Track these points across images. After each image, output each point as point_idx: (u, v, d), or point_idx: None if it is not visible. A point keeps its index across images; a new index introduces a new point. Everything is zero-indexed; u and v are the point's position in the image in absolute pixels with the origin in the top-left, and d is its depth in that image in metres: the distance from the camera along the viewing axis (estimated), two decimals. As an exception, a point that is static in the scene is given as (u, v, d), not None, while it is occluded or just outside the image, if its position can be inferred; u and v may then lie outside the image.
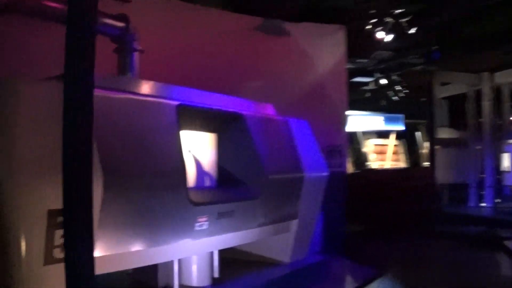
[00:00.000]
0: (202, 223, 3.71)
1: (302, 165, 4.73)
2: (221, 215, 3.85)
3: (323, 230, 5.74)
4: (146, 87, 3.73)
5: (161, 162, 3.44)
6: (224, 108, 4.22)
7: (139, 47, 4.27)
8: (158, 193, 3.35)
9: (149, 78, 3.93)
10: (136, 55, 4.28)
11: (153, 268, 3.94)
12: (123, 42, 4.21)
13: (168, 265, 3.93)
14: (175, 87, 3.92)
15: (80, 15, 2.31)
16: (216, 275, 4.26)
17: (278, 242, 4.84)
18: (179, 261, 3.95)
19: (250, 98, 4.84)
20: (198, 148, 4.17)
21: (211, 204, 3.77)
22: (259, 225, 4.31)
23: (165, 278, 3.96)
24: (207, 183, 4.22)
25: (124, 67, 4.23)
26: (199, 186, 4.12)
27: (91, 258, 2.29)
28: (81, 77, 2.31)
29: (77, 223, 2.26)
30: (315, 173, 4.91)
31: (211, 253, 4.21)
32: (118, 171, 3.07)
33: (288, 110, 5.40)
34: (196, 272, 4.05)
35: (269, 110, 4.85)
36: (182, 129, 3.92)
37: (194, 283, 4.04)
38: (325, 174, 5.09)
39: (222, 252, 4.40)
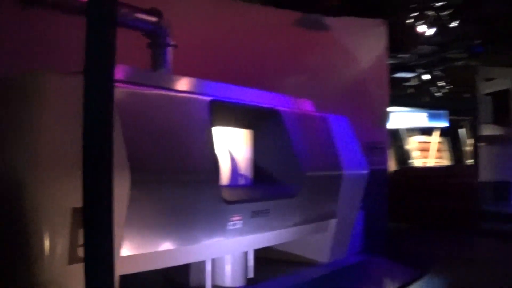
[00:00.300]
0: (235, 222, 3.53)
1: (341, 163, 4.50)
2: (255, 213, 3.66)
3: (364, 229, 5.49)
4: (178, 83, 3.57)
5: (192, 159, 3.28)
6: (260, 104, 4.03)
7: (173, 42, 4.12)
8: (189, 191, 3.19)
9: (186, 73, 3.77)
10: (169, 50, 4.13)
11: (186, 267, 3.78)
12: (156, 36, 4.06)
13: (201, 264, 3.76)
14: (209, 82, 3.74)
15: (100, 7, 2.15)
16: (250, 275, 4.08)
17: (316, 242, 4.62)
18: (212, 260, 3.78)
19: (289, 94, 4.64)
20: (233, 145, 4.00)
21: (245, 203, 3.58)
22: (296, 224, 4.11)
23: (197, 278, 3.79)
24: (242, 181, 4.04)
25: (157, 62, 4.08)
26: (233, 184, 3.94)
27: (111, 259, 2.14)
28: (101, 71, 2.15)
29: (96, 222, 2.11)
30: (354, 170, 4.67)
31: (246, 253, 4.03)
32: (147, 168, 2.91)
33: (328, 106, 5.17)
34: (230, 272, 3.86)
35: (307, 106, 4.63)
36: (216, 125, 3.76)
37: (228, 284, 3.86)
38: (365, 172, 4.84)
39: (258, 252, 4.21)
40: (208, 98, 3.51)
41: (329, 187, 4.38)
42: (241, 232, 3.60)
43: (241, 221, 3.56)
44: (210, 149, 3.38)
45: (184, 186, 3.17)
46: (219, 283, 3.85)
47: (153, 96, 3.19)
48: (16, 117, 2.77)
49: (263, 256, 4.36)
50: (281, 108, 4.11)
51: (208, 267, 3.74)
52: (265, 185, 4.05)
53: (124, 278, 3.01)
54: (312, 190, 4.14)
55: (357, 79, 6.97)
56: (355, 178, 4.67)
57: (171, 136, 3.16)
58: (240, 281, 3.91)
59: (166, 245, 3.12)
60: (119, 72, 3.22)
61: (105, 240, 2.11)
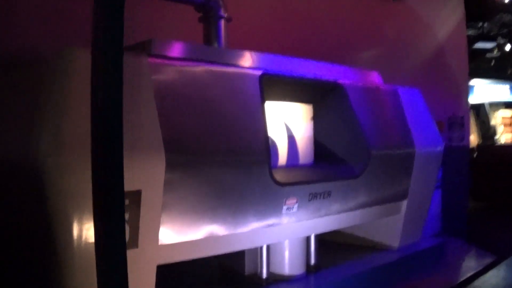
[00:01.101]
0: (291, 205, 3.12)
1: (413, 139, 3.95)
2: (314, 196, 3.22)
3: (443, 209, 4.91)
4: (228, 56, 3.16)
5: (238, 138, 2.87)
6: (320, 77, 3.55)
7: (226, 15, 3.70)
8: (234, 173, 2.79)
9: (251, 48, 3.37)
10: (222, 23, 3.71)
11: (241, 254, 3.41)
12: (207, 10, 3.65)
13: (256, 251, 3.38)
14: (261, 54, 3.30)
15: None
16: (313, 261, 3.65)
17: (387, 225, 4.12)
18: (268, 247, 3.39)
19: (364, 66, 4.14)
20: (292, 121, 3.55)
21: (301, 184, 3.14)
22: (361, 207, 3.62)
23: (252, 266, 3.41)
24: (302, 160, 3.59)
25: (209, 37, 3.68)
26: (291, 164, 3.51)
27: (124, 254, 1.79)
28: (109, 45, 1.80)
29: (108, 214, 1.76)
30: (428, 147, 4.10)
31: (307, 238, 3.60)
32: (184, 149, 2.55)
33: (405, 79, 4.61)
34: (288, 259, 3.45)
35: (374, 78, 4.09)
36: (272, 99, 3.33)
37: (286, 272, 3.45)
38: (440, 148, 4.26)
39: (326, 235, 3.78)
40: (259, 72, 3.09)
41: (399, 165, 3.85)
42: (297, 216, 3.18)
43: (297, 204, 3.14)
44: (260, 127, 2.97)
45: (229, 168, 2.78)
46: (277, 271, 3.45)
47: (193, 71, 2.80)
48: (49, 96, 2.46)
49: (332, 240, 3.94)
50: (344, 81, 3.61)
51: (264, 254, 3.36)
52: (326, 165, 3.59)
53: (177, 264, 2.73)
54: (379, 170, 3.63)
55: (435, 50, 6.30)
56: (429, 156, 4.10)
57: (214, 114, 2.77)
58: (299, 269, 3.49)
59: (209, 232, 2.75)
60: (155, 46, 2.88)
61: (117, 233, 1.76)
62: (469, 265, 4.43)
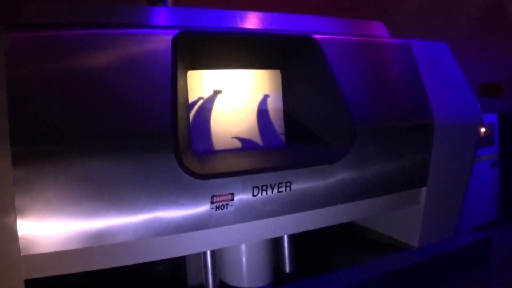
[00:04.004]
0: (222, 202, 2.00)
1: (431, 107, 2.57)
2: (261, 189, 2.07)
3: (501, 193, 3.39)
4: (122, 15, 2.13)
5: (128, 117, 1.83)
6: (283, 33, 2.34)
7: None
8: (124, 163, 1.79)
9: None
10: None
11: (182, 260, 2.36)
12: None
13: (200, 257, 2.31)
14: (181, 9, 2.22)
15: None
16: (287, 269, 2.49)
17: (405, 219, 2.79)
18: (214, 253, 2.30)
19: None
20: (253, 93, 2.40)
21: (236, 175, 2.01)
22: (348, 200, 2.36)
23: (198, 275, 2.35)
24: (267, 141, 2.42)
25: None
26: (251, 147, 2.36)
27: None
28: None
29: None
30: (456, 118, 2.68)
31: (277, 241, 2.45)
32: (43, 138, 1.65)
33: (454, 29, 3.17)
34: (246, 268, 2.33)
35: (376, 30, 2.75)
36: (223, 68, 2.24)
37: (244, 284, 2.33)
38: (477, 118, 2.79)
39: (334, 227, 2.59)
40: (172, 32, 2.00)
41: (406, 143, 2.51)
42: (237, 216, 2.05)
43: (233, 202, 2.02)
44: (163, 102, 1.90)
45: (116, 157, 1.78)
46: (232, 282, 2.35)
47: (65, 40, 1.81)
48: None
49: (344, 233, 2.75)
50: (321, 36, 2.36)
51: (208, 260, 2.28)
52: (297, 146, 2.39)
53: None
54: (372, 150, 2.35)
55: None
56: (458, 128, 2.68)
57: (96, 92, 1.78)
58: (262, 280, 2.36)
59: (95, 240, 1.78)
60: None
61: None
62: (497, 272, 2.91)
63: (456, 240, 2.84)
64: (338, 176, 2.27)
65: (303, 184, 2.17)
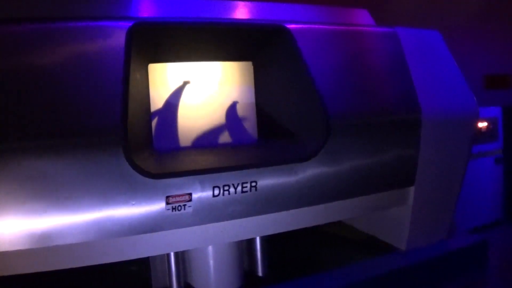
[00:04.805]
0: (179, 203, 1.89)
1: (418, 100, 2.38)
2: (223, 189, 1.94)
3: (505, 190, 3.16)
4: (73, 7, 2.01)
5: (72, 113, 1.73)
6: (253, 22, 2.19)
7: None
8: (67, 160, 1.69)
9: None
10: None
11: (146, 261, 2.25)
12: None
13: (164, 259, 2.20)
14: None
15: None
16: (260, 272, 2.35)
17: (392, 219, 2.61)
18: (178, 255, 2.19)
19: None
20: (224, 86, 2.26)
21: (193, 174, 1.88)
22: (321, 201, 2.20)
23: (161, 277, 2.24)
24: (238, 137, 2.29)
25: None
26: (220, 143, 2.23)
27: None
28: None
29: None
30: (448, 111, 2.48)
31: (249, 243, 2.32)
32: None
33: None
34: (213, 271, 2.21)
35: (360, 18, 2.57)
36: (191, 60, 2.13)
37: (209, 287, 2.21)
38: (472, 112, 2.57)
39: (319, 227, 2.44)
40: (126, 24, 1.88)
41: (392, 140, 2.32)
42: (197, 218, 1.93)
43: (191, 202, 1.90)
44: (113, 97, 1.78)
45: (59, 155, 1.68)
46: (199, 286, 2.23)
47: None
48: None
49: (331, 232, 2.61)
50: (295, 25, 2.20)
51: (172, 263, 2.17)
52: (269, 142, 2.25)
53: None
54: (350, 147, 2.19)
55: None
56: (450, 123, 2.48)
57: (38, 88, 1.69)
58: (230, 284, 2.22)
59: (40, 240, 1.69)
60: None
61: None
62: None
63: (450, 243, 2.64)
64: (312, 175, 2.12)
65: (270, 183, 2.03)
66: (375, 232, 2.71)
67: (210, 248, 2.19)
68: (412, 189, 2.45)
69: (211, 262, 2.19)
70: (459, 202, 2.70)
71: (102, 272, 2.25)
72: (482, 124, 3.67)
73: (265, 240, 2.36)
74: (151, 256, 2.21)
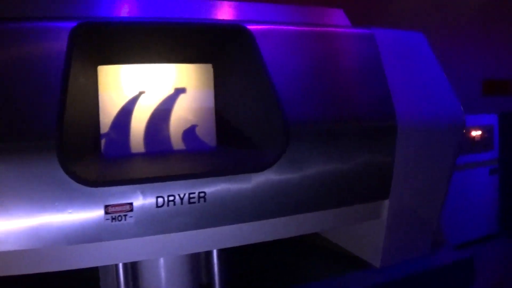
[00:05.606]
0: (119, 213, 1.80)
1: (394, 106, 2.21)
2: (168, 200, 1.85)
3: (501, 202, 2.94)
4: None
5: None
6: (210, 22, 2.08)
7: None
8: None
9: None
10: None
11: (95, 270, 2.18)
12: None
13: (112, 268, 2.12)
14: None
15: None
16: (217, 285, 2.24)
17: (366, 235, 2.45)
18: (130, 267, 2.10)
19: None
20: (182, 90, 2.17)
21: (135, 183, 1.79)
22: (282, 214, 2.07)
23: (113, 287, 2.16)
24: (194, 144, 2.18)
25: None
26: (170, 150, 2.13)
27: None
28: None
29: None
30: (430, 120, 2.30)
31: (205, 253, 2.21)
32: None
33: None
34: (163, 284, 2.11)
35: (334, 18, 2.41)
36: (147, 62, 2.05)
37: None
38: (458, 121, 2.38)
39: (297, 237, 2.32)
40: (69, 25, 1.81)
41: (362, 149, 2.17)
42: (139, 229, 1.84)
43: (133, 212, 1.81)
44: (50, 99, 1.72)
45: None
46: (150, 297, 2.14)
47: None
48: None
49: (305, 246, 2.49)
50: (257, 26, 2.08)
51: (120, 272, 2.09)
52: (227, 150, 2.13)
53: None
54: (313, 155, 2.05)
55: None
56: (431, 132, 2.30)
57: None
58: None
59: None
60: None
61: None
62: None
63: (431, 260, 2.46)
64: (269, 186, 2.00)
65: (222, 194, 1.92)
66: (349, 247, 2.55)
67: (161, 259, 2.10)
68: (386, 203, 2.28)
69: (163, 274, 2.10)
70: (450, 215, 2.51)
71: (50, 281, 2.20)
72: (476, 133, 3.42)
73: (226, 252, 2.25)
74: (101, 266, 2.14)
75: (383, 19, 2.50)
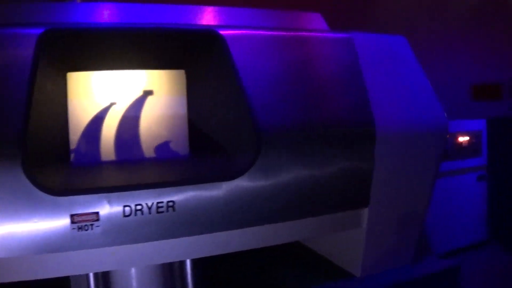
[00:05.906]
0: (85, 222, 1.78)
1: (372, 112, 2.17)
2: (135, 209, 1.82)
3: (490, 209, 2.88)
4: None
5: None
6: (181, 26, 2.05)
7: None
8: None
9: None
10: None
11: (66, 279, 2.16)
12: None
13: (85, 278, 2.09)
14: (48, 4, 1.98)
15: None
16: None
17: (345, 243, 2.41)
18: (102, 276, 2.07)
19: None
20: (153, 96, 2.14)
21: (101, 192, 1.77)
22: (256, 223, 2.03)
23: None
24: (167, 151, 2.15)
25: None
26: (141, 158, 2.10)
27: None
28: None
29: None
30: (410, 127, 2.25)
31: (179, 264, 2.18)
32: None
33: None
34: (135, 292, 2.08)
35: (312, 22, 2.37)
36: (118, 68, 2.03)
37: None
38: (441, 127, 2.32)
39: (277, 246, 2.28)
40: (36, 31, 1.80)
41: (338, 156, 2.12)
42: (106, 239, 1.81)
43: (98, 222, 1.78)
44: (13, 105, 1.70)
45: None
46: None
47: None
48: None
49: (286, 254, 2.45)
50: (230, 31, 2.05)
51: (91, 282, 2.06)
52: (193, 159, 2.10)
53: None
54: (290, 165, 2.01)
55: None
56: (412, 139, 2.25)
57: None
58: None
59: None
60: None
61: None
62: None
63: (415, 269, 2.41)
64: (242, 195, 1.96)
65: (191, 203, 1.89)
66: (329, 255, 2.51)
67: (133, 269, 2.07)
68: (366, 211, 2.23)
69: (134, 283, 2.07)
70: (437, 222, 2.46)
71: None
72: (463, 138, 3.34)
73: (201, 261, 2.21)
74: (72, 276, 2.11)
75: (368, 24, 2.46)
